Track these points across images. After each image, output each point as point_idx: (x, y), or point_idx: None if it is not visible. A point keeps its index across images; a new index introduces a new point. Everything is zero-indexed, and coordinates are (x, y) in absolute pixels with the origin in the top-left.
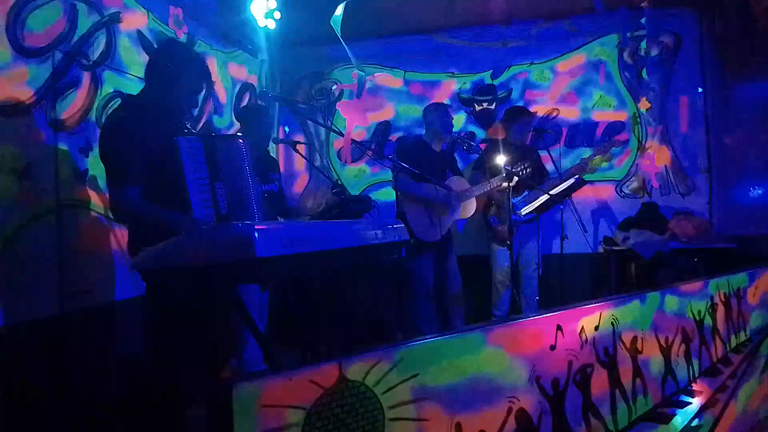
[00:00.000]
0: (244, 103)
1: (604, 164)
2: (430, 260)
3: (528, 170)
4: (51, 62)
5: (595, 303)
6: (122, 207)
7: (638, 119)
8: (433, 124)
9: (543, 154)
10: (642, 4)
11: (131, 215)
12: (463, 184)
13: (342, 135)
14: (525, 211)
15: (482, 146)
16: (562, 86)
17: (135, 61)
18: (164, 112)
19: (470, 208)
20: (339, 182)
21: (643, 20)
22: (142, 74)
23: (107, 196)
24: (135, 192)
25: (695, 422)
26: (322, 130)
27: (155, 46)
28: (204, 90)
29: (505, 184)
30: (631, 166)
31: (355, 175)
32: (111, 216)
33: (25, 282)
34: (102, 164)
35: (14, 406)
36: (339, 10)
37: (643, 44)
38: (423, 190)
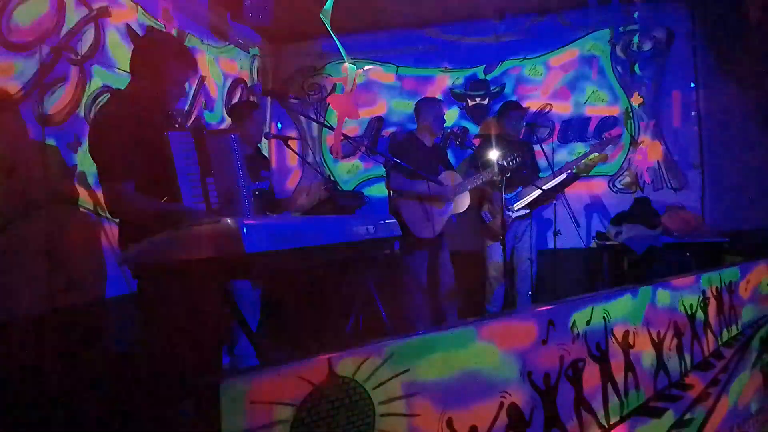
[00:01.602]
0: (236, 98)
1: (601, 162)
2: (424, 256)
3: (518, 159)
4: (38, 57)
5: (586, 297)
6: (118, 203)
7: (631, 114)
8: (425, 119)
9: (536, 149)
10: None
11: (128, 211)
12: (456, 178)
13: (334, 130)
14: (518, 206)
15: (476, 141)
16: (555, 81)
17: (124, 56)
18: (152, 105)
19: (464, 202)
20: (331, 178)
21: (635, 15)
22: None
23: (96, 191)
24: (130, 187)
25: (687, 416)
26: (315, 126)
27: (143, 39)
28: (190, 79)
29: (497, 178)
30: (624, 161)
31: (348, 171)
32: (101, 212)
33: (13, 278)
34: (92, 160)
35: (3, 402)
36: (328, 3)
37: (636, 39)
38: (417, 187)
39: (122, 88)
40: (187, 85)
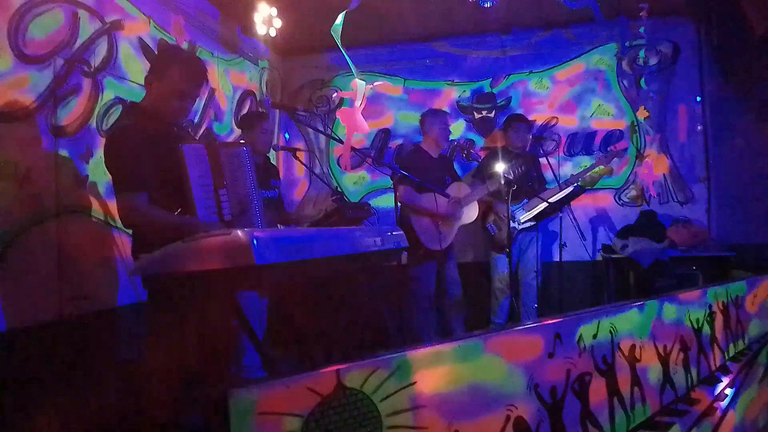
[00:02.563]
0: (245, 110)
1: (606, 174)
2: (432, 268)
3: (522, 168)
4: (52, 69)
5: (593, 311)
6: (132, 215)
7: (637, 128)
8: (431, 130)
9: (542, 162)
10: (641, 14)
11: (142, 222)
12: (464, 189)
13: (342, 142)
14: (523, 218)
15: (482, 154)
16: (561, 95)
17: (136, 69)
18: (165, 118)
19: (471, 213)
20: (338, 189)
21: (641, 29)
22: (143, 81)
23: (107, 202)
24: (144, 199)
25: (694, 431)
26: (322, 138)
27: (156, 52)
28: (199, 92)
29: (503, 190)
30: (630, 175)
31: (355, 182)
32: (112, 222)
33: (25, 287)
34: (107, 172)
35: (15, 410)
36: (339, 19)
37: (642, 53)
38: (426, 201)
39: (136, 101)
40: (200, 103)
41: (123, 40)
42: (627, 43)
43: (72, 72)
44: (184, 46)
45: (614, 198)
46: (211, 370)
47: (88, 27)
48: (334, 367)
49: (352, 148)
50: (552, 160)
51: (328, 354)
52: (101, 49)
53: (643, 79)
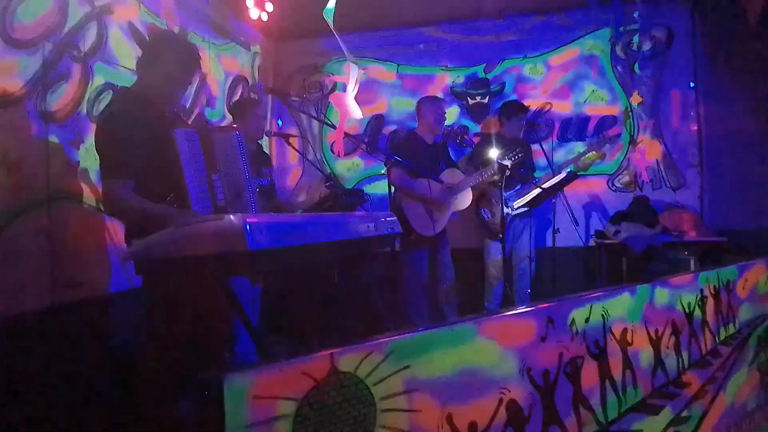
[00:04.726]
0: (237, 95)
1: (598, 160)
2: (425, 253)
3: (520, 155)
4: (41, 54)
5: (585, 295)
6: (114, 202)
7: (630, 113)
8: (426, 117)
9: (535, 147)
10: None
11: (123, 210)
12: (457, 175)
13: (335, 128)
14: (517, 204)
15: (475, 140)
16: (555, 80)
17: (126, 53)
18: (158, 104)
19: (465, 199)
20: (332, 175)
21: (635, 14)
22: (133, 66)
23: (99, 188)
24: (128, 187)
25: (684, 413)
26: (316, 123)
27: (147, 37)
28: (193, 78)
29: (497, 177)
30: (623, 160)
31: (349, 169)
32: (104, 209)
33: (17, 274)
34: (97, 156)
35: (7, 398)
36: (331, 3)
37: (636, 38)
38: (418, 185)
39: (127, 85)
40: (192, 88)
41: (113, 24)
42: (621, 29)
43: (61, 57)
44: (175, 30)
45: (607, 184)
46: (205, 355)
47: (77, 11)
48: (328, 351)
49: (346, 134)
50: (545, 146)
51: (321, 339)
52: (91, 34)
53: (636, 65)
